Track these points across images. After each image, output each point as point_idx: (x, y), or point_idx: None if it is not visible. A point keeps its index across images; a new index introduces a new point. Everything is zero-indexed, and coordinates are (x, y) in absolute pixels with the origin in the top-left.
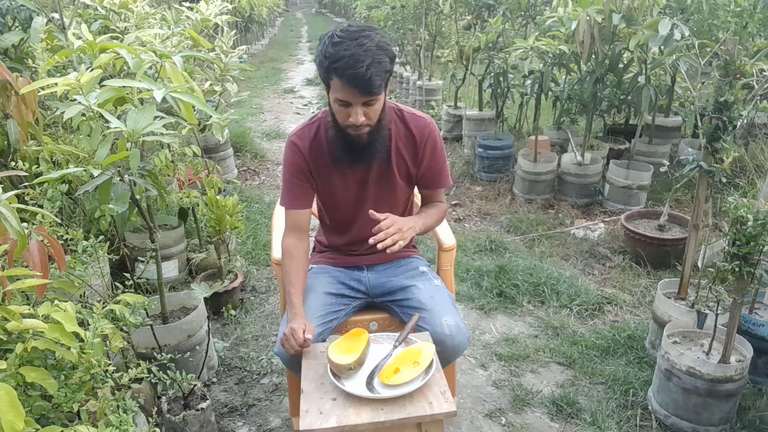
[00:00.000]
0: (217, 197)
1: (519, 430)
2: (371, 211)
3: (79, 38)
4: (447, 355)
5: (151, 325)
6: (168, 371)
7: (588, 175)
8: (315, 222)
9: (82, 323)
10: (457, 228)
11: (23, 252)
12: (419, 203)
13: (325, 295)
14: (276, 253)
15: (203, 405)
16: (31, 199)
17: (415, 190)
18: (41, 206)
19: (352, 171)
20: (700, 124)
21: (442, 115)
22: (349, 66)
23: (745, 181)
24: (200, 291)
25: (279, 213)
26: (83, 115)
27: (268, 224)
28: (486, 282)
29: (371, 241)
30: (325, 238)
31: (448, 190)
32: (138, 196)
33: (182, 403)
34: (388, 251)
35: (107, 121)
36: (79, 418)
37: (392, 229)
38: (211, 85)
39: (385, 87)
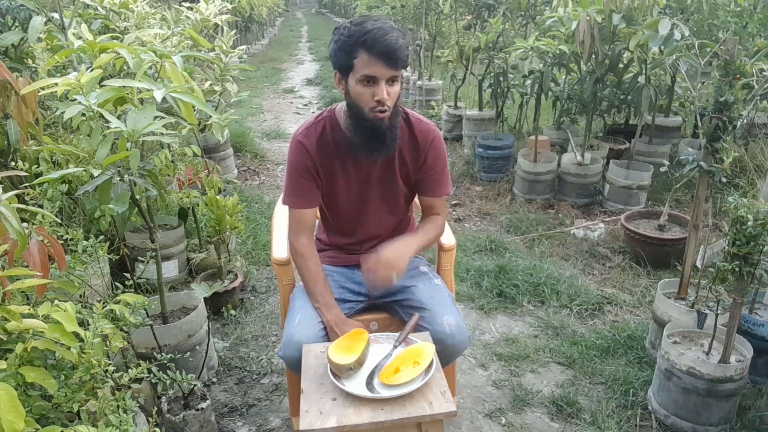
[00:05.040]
0: (217, 197)
1: (519, 430)
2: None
3: (79, 38)
4: (447, 354)
5: (151, 325)
6: (168, 371)
7: (588, 175)
8: None
9: (82, 323)
10: (457, 228)
11: (23, 252)
12: (419, 203)
13: None
14: (277, 252)
15: (203, 405)
16: (31, 199)
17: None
18: (41, 206)
19: (356, 170)
20: (700, 124)
21: (442, 115)
22: (380, 36)
23: (745, 181)
24: (200, 291)
25: (279, 212)
26: (83, 115)
27: (268, 224)
28: (486, 282)
29: (366, 290)
30: (326, 237)
31: None
32: (138, 196)
33: (182, 403)
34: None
35: (107, 121)
36: (79, 418)
37: (380, 266)
38: (211, 85)
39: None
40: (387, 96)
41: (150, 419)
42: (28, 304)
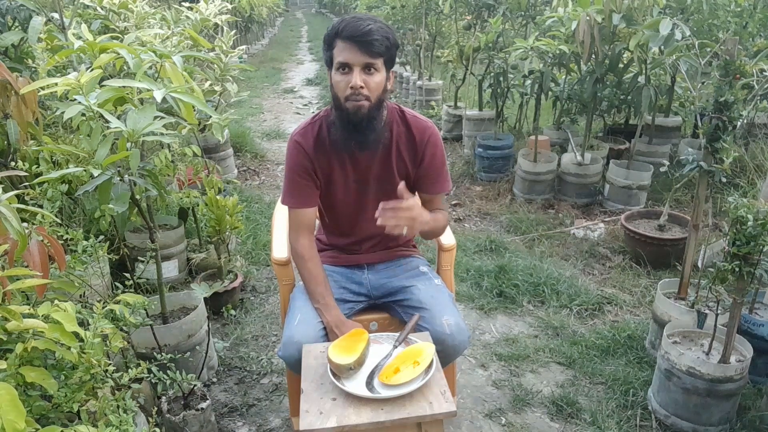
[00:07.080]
0: (217, 197)
1: (519, 430)
2: (400, 186)
3: (79, 38)
4: (447, 354)
5: (151, 325)
6: (168, 371)
7: (588, 175)
8: None
9: (82, 323)
10: (457, 228)
11: (23, 252)
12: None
13: None
14: (277, 252)
15: (203, 405)
16: (31, 199)
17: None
18: (41, 206)
19: (353, 169)
20: (700, 124)
21: (442, 115)
22: (352, 23)
23: (745, 181)
24: (200, 291)
25: (279, 212)
26: (83, 115)
27: (268, 224)
28: (486, 282)
29: (377, 214)
30: (326, 237)
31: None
32: (138, 196)
33: (182, 403)
34: (386, 230)
35: (107, 121)
36: (79, 418)
37: (406, 214)
38: (211, 85)
39: (386, 63)
40: (361, 83)
41: (150, 419)
42: (28, 304)
